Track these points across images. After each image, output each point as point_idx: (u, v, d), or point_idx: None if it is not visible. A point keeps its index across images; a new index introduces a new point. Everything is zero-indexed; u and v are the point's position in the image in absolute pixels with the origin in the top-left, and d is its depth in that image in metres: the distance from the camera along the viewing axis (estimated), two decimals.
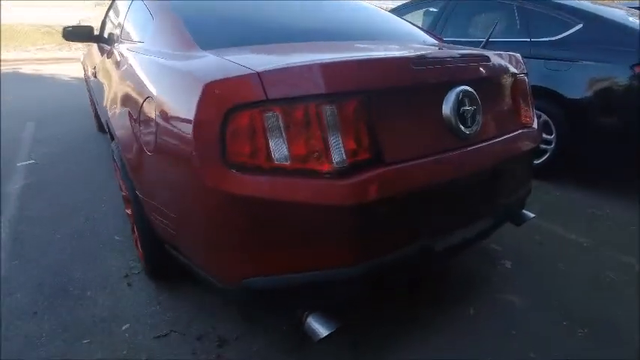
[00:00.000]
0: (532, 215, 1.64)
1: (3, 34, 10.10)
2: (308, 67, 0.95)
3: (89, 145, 3.48)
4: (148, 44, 1.48)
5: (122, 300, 1.56)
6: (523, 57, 1.56)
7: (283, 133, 0.92)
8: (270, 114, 0.91)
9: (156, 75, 1.19)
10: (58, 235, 2.00)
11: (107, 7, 2.81)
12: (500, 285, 1.68)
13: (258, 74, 0.92)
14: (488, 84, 1.33)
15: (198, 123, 0.93)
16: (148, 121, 1.15)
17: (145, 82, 1.27)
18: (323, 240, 0.99)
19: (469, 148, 1.19)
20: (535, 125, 1.50)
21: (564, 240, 2.03)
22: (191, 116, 0.94)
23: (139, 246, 1.58)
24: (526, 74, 1.51)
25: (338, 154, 0.95)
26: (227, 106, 0.91)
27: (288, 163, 0.93)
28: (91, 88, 3.11)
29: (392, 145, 1.04)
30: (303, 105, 0.93)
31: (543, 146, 2.71)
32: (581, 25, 2.55)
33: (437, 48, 1.30)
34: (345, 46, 1.41)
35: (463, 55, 1.25)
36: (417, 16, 3.87)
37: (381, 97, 1.03)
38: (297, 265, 1.01)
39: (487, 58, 1.29)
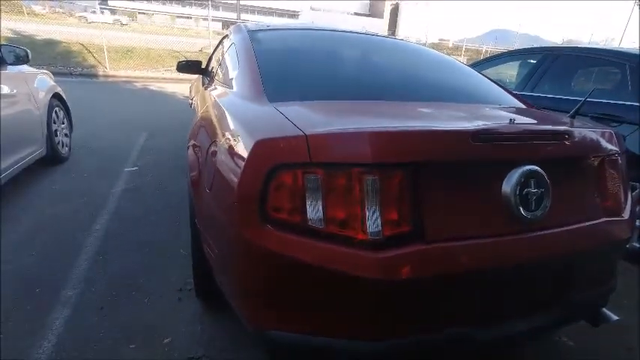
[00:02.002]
0: (615, 317, 1.37)
1: (140, 56, 12.20)
2: (356, 135, 0.96)
3: (184, 158, 3.95)
4: (231, 89, 1.65)
5: (171, 313, 1.70)
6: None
7: (322, 197, 0.94)
8: (311, 176, 0.94)
9: (225, 121, 1.32)
10: (134, 240, 2.27)
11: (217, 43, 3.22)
12: None
13: (306, 136, 0.95)
14: (566, 164, 1.18)
15: (244, 176, 0.99)
16: (210, 162, 1.27)
17: (216, 126, 1.41)
18: (345, 309, 0.96)
19: (528, 235, 1.06)
20: (627, 214, 1.28)
21: None
22: (240, 168, 1.02)
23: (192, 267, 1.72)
24: (620, 154, 1.31)
25: (374, 224, 0.93)
26: (272, 163, 0.96)
27: (322, 226, 0.94)
28: (192, 110, 3.55)
29: (436, 222, 0.98)
30: (345, 172, 0.94)
31: None
32: None
33: (509, 119, 1.19)
34: (409, 109, 1.39)
35: (536, 132, 1.14)
36: (513, 67, 3.66)
37: (430, 170, 0.99)
38: (318, 328, 1.00)
39: (568, 135, 1.14)
